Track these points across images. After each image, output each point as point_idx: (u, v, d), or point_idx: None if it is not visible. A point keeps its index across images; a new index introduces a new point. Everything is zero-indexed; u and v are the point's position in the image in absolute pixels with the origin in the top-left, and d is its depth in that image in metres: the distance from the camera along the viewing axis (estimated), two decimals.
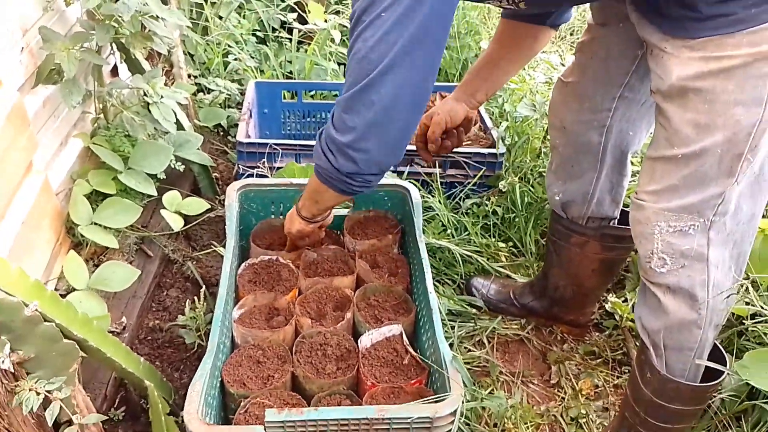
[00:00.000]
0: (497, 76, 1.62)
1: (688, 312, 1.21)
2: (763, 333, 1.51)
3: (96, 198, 1.79)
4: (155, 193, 1.83)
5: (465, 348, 1.70)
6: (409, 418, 1.11)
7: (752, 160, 1.09)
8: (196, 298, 1.53)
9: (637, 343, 1.74)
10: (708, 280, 1.18)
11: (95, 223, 1.70)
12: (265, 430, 1.09)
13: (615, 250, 1.65)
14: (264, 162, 1.88)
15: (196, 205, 1.87)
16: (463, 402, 1.14)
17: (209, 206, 1.90)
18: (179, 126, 2.06)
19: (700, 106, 1.07)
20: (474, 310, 1.81)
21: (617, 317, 1.79)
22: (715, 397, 1.41)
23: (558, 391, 1.64)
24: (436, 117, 1.66)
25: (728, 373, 1.26)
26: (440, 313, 1.36)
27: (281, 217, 1.68)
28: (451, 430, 1.16)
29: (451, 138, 1.70)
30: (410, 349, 1.37)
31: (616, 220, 1.61)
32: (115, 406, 1.47)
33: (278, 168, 1.94)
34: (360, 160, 1.17)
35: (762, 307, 1.45)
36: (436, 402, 1.15)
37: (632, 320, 1.76)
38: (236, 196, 1.60)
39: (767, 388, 1.14)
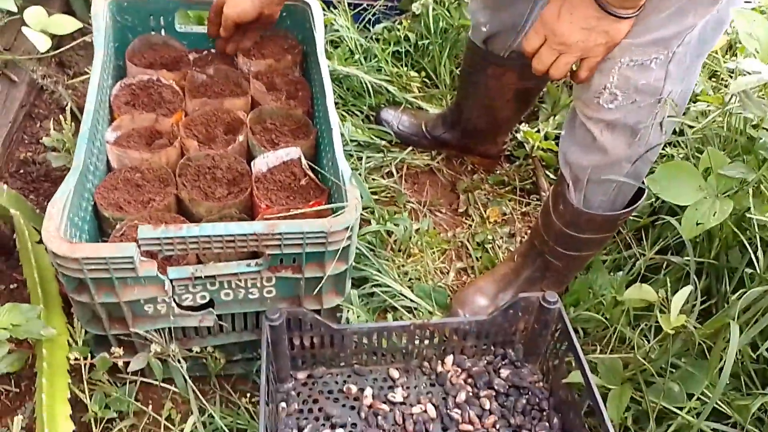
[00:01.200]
0: None
1: (624, 149, 1.14)
2: (672, 155, 1.50)
3: None
4: (14, 8, 1.57)
5: (372, 179, 1.63)
6: (301, 233, 1.03)
7: None
8: (62, 116, 1.34)
9: (547, 173, 1.72)
10: (655, 117, 1.10)
11: None
12: (138, 248, 0.98)
13: (533, 79, 1.56)
14: None
15: (66, 24, 1.61)
16: (359, 217, 1.06)
17: (81, 25, 1.65)
18: None
19: None
20: (384, 142, 1.72)
21: (528, 147, 1.75)
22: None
23: (466, 219, 1.61)
24: (226, 7, 1.35)
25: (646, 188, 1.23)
26: (341, 133, 1.25)
27: (163, 33, 1.48)
28: (349, 246, 1.09)
29: (248, 35, 1.45)
30: (308, 171, 1.27)
31: None
32: None
33: None
34: None
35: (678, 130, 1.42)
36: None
37: (543, 149, 1.72)
38: (106, 4, 1.37)
39: (676, 201, 1.11)
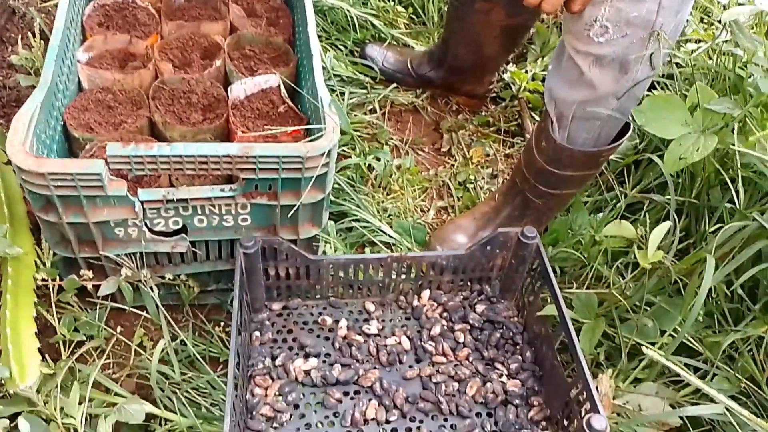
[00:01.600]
0: None
1: (612, 84, 1.10)
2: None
3: None
4: None
5: (355, 115, 1.59)
6: (277, 156, 1.00)
7: None
8: (30, 33, 1.29)
9: (533, 115, 1.70)
10: (645, 50, 1.07)
11: None
12: (107, 165, 0.95)
13: (521, 16, 1.52)
14: None
15: None
16: (337, 143, 1.03)
17: None
18: None
19: None
20: (367, 78, 1.68)
21: (515, 88, 1.71)
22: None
23: (448, 158, 1.59)
24: None
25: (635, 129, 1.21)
26: (324, 66, 1.21)
27: None
28: (326, 174, 1.06)
29: None
30: (287, 98, 1.24)
31: None
32: None
33: None
34: None
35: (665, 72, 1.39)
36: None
37: (530, 91, 1.69)
38: None
39: (661, 134, 1.08)
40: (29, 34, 1.60)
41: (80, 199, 0.97)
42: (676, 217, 1.14)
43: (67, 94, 1.16)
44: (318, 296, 1.22)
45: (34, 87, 1.30)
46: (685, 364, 1.08)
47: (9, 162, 1.13)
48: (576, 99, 1.16)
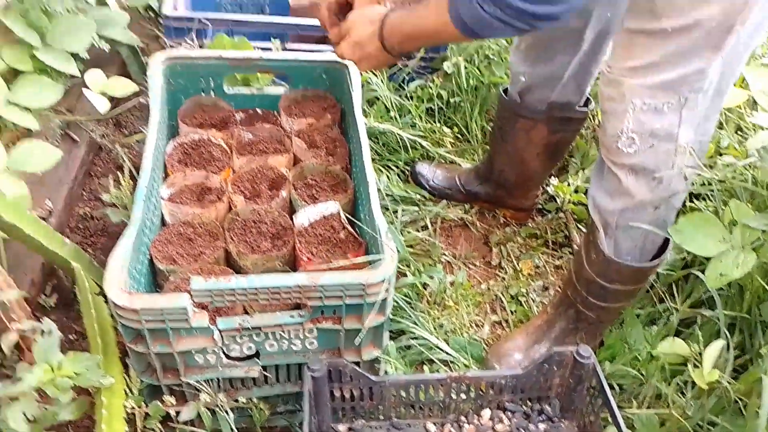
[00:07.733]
0: None
1: (648, 193, 1.19)
2: (700, 209, 1.53)
3: (11, 78, 1.65)
4: (77, 72, 1.69)
5: (408, 232, 1.68)
6: (341, 285, 1.08)
7: (740, 33, 1.02)
8: (119, 173, 1.44)
9: (579, 226, 1.76)
10: (674, 161, 1.15)
11: (12, 103, 1.57)
12: (191, 298, 1.04)
13: (561, 132, 1.62)
14: (193, 38, 1.74)
15: (123, 86, 1.73)
16: (395, 270, 1.11)
17: (137, 88, 1.77)
18: (102, 2, 1.90)
19: None
20: (418, 196, 1.78)
21: (559, 200, 1.79)
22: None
23: (499, 271, 1.65)
24: None
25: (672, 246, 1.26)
26: (378, 189, 1.31)
27: (212, 94, 1.58)
28: (386, 298, 1.14)
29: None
30: (346, 224, 1.33)
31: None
32: (47, 294, 1.41)
33: None
34: None
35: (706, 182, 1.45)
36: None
37: (574, 203, 1.76)
38: (161, 68, 1.48)
39: (699, 252, 1.14)
40: (114, 168, 1.78)
41: (167, 331, 1.06)
42: (727, 333, 1.17)
43: (153, 229, 1.28)
44: (381, 417, 1.26)
45: (122, 221, 1.44)
46: None
47: (99, 293, 1.24)
48: (617, 207, 1.23)
